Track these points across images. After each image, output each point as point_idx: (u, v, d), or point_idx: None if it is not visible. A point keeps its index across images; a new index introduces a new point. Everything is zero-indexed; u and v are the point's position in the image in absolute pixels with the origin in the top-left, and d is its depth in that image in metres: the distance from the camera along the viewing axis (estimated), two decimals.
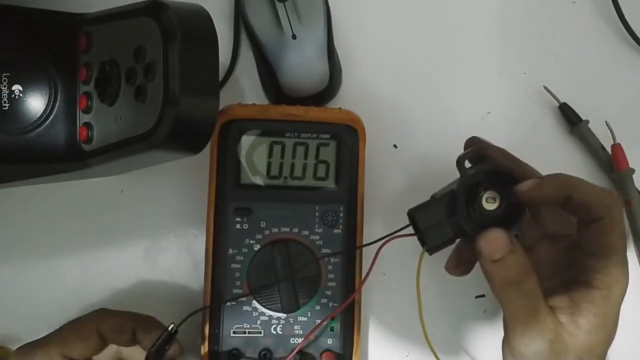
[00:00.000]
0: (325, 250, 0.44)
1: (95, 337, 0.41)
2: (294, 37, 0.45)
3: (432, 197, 0.38)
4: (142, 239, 0.48)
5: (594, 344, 0.35)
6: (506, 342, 0.36)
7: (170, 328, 0.40)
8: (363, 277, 0.43)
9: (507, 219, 0.37)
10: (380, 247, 0.39)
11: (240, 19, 0.49)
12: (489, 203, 0.37)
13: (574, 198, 0.35)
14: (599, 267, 0.35)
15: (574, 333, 0.35)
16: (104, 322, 0.42)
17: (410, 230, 0.38)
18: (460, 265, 0.40)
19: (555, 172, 0.38)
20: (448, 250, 0.40)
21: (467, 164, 0.39)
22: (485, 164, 0.38)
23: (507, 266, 0.35)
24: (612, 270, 0.35)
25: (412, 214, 0.37)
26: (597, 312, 0.35)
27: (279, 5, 0.45)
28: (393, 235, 0.38)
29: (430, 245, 0.37)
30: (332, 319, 0.44)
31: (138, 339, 0.41)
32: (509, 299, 0.35)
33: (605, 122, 0.48)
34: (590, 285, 0.35)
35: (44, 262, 0.48)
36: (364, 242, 0.44)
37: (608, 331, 0.35)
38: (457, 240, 0.39)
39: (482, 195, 0.36)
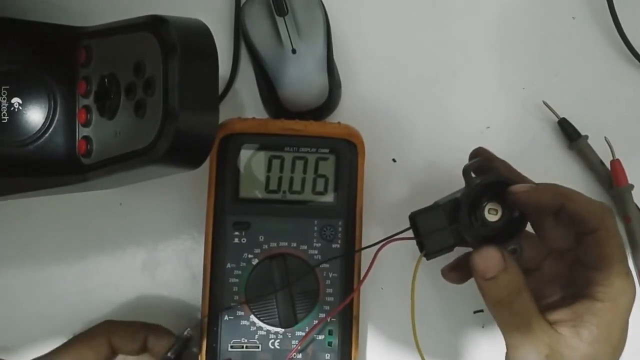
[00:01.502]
0: (323, 266, 0.44)
1: (106, 348, 0.42)
2: (293, 51, 0.45)
3: (435, 203, 0.39)
4: (141, 251, 0.48)
5: (597, 356, 0.35)
6: (506, 357, 0.37)
7: (186, 332, 0.42)
8: (362, 276, 0.43)
9: (507, 231, 0.37)
10: (379, 249, 0.39)
11: (240, 33, 0.49)
12: (491, 214, 0.37)
13: (567, 208, 0.35)
14: (600, 279, 0.35)
15: (575, 346, 0.34)
16: (115, 333, 0.42)
17: (410, 233, 0.38)
18: (456, 272, 0.41)
19: None
20: (447, 259, 0.40)
21: (472, 174, 0.40)
22: (490, 175, 0.38)
23: (498, 285, 0.36)
24: (614, 282, 0.35)
25: (414, 217, 0.38)
26: (600, 323, 0.35)
27: (279, 20, 0.45)
28: (392, 238, 0.39)
29: (428, 250, 0.37)
30: (330, 334, 0.44)
31: (149, 347, 0.42)
32: (500, 317, 0.36)
33: (605, 137, 0.48)
34: (593, 298, 0.35)
35: (42, 274, 0.48)
36: (363, 260, 0.44)
37: (613, 343, 0.35)
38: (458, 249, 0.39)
39: (485, 206, 0.37)
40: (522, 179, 0.41)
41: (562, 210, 0.36)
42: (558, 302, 0.37)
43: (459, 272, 0.41)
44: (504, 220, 0.37)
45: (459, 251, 0.40)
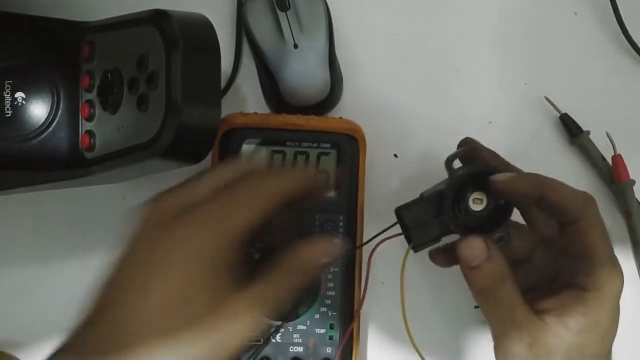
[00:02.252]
0: (324, 260, 0.44)
1: None
2: (295, 46, 0.45)
3: (421, 195, 0.39)
4: None
5: (584, 345, 0.35)
6: (494, 348, 0.37)
7: None
8: (363, 282, 0.43)
9: (493, 220, 0.37)
10: (372, 252, 0.39)
11: (242, 28, 0.49)
12: (476, 204, 0.37)
13: (547, 197, 0.35)
14: (585, 269, 0.35)
15: (561, 335, 0.34)
16: None
17: (399, 229, 0.38)
18: (443, 255, 0.40)
19: None
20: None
21: (459, 164, 0.40)
22: (474, 165, 0.38)
23: (482, 274, 0.36)
24: (598, 272, 0.34)
25: (399, 212, 0.38)
26: (586, 313, 0.34)
27: (281, 15, 0.45)
28: (382, 235, 0.39)
29: (415, 243, 0.38)
30: (331, 328, 0.44)
31: None
32: (484, 306, 0.36)
33: (606, 133, 0.48)
34: (579, 288, 0.35)
35: (46, 268, 0.48)
36: (365, 254, 0.44)
37: (601, 332, 0.35)
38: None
39: (469, 195, 0.37)
40: (509, 168, 0.40)
41: (542, 200, 0.36)
42: (547, 292, 0.37)
43: (447, 255, 0.40)
44: (489, 209, 0.37)
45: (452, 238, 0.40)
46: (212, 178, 0.34)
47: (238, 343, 0.32)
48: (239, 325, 0.32)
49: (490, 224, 0.37)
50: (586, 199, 0.36)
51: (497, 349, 0.36)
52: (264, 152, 0.44)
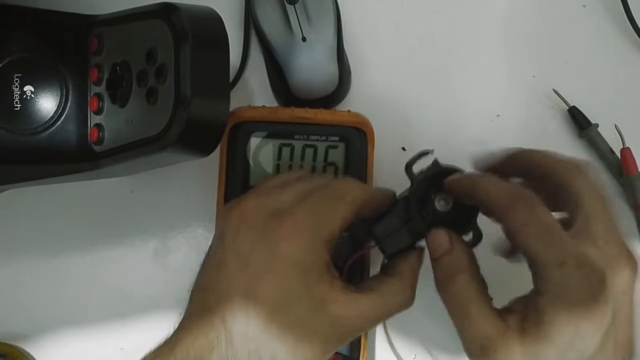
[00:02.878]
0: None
1: None
2: (303, 39, 0.45)
3: (395, 199, 0.39)
4: (152, 239, 0.48)
5: (540, 354, 0.32)
6: None
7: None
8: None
9: (460, 218, 0.37)
10: (349, 263, 0.39)
11: (250, 21, 0.49)
12: (442, 205, 0.38)
13: (475, 197, 0.35)
14: (536, 271, 0.33)
15: (516, 338, 0.32)
16: None
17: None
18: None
19: None
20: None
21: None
22: (430, 167, 0.38)
23: (441, 266, 0.36)
24: (549, 274, 0.32)
25: (369, 226, 0.38)
26: (543, 319, 0.32)
27: (289, 8, 0.45)
28: (359, 252, 0.40)
29: (388, 252, 0.38)
30: None
31: None
32: (442, 298, 0.36)
33: (615, 126, 0.48)
34: (535, 291, 0.33)
35: (54, 261, 0.48)
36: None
37: (556, 342, 0.31)
38: None
39: (434, 198, 0.38)
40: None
41: (474, 200, 0.35)
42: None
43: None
44: (457, 210, 0.37)
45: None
46: (298, 184, 0.37)
47: (341, 345, 0.34)
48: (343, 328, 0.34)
49: (459, 223, 0.37)
50: (513, 196, 0.33)
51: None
52: (272, 145, 0.44)
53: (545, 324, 0.32)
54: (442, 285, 0.35)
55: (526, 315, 0.33)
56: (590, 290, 0.31)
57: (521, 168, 0.37)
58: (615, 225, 0.34)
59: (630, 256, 0.33)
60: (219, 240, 0.35)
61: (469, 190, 0.35)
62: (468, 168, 0.39)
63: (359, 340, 0.44)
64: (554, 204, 0.35)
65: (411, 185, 0.38)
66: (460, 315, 0.34)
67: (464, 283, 0.35)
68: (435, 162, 0.39)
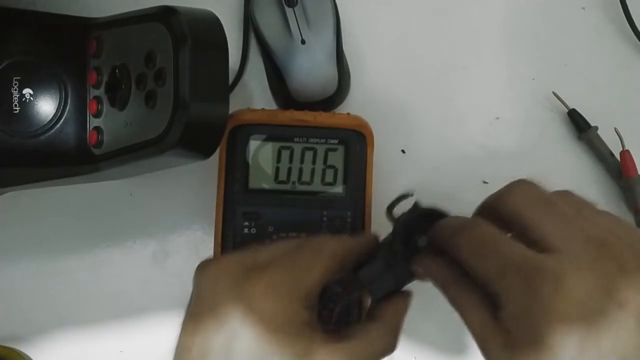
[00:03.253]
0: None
1: None
2: (303, 42, 0.45)
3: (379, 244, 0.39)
4: (151, 242, 0.48)
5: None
6: None
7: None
8: None
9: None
10: (342, 309, 0.40)
11: (249, 24, 0.49)
12: (422, 241, 0.38)
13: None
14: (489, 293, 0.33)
15: (501, 344, 0.31)
16: None
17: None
18: None
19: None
20: None
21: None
22: (414, 209, 0.38)
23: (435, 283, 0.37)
24: (495, 290, 0.31)
25: (355, 271, 0.38)
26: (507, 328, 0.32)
27: (289, 11, 0.45)
28: (346, 299, 0.40)
29: (374, 297, 0.38)
30: None
31: None
32: None
33: (615, 128, 0.48)
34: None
35: (53, 263, 0.48)
36: None
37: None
38: None
39: (417, 239, 0.38)
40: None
41: None
42: None
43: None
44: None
45: None
46: (275, 244, 0.37)
47: None
48: None
49: None
50: (458, 226, 0.34)
51: None
52: (272, 148, 0.44)
53: (509, 334, 0.30)
54: (447, 299, 0.36)
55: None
56: (539, 295, 0.29)
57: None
58: (570, 218, 0.31)
59: (602, 256, 0.29)
60: (197, 297, 0.35)
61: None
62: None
63: None
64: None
65: (393, 229, 0.38)
66: (465, 323, 0.34)
67: (455, 296, 0.35)
68: (416, 205, 0.39)
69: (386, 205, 0.39)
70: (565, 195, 0.33)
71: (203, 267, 0.35)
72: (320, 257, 0.35)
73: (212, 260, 0.36)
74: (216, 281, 0.34)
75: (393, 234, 0.38)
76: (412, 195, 0.40)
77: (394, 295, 0.38)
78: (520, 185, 0.33)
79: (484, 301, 0.33)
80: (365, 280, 0.38)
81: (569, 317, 0.28)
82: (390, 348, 0.37)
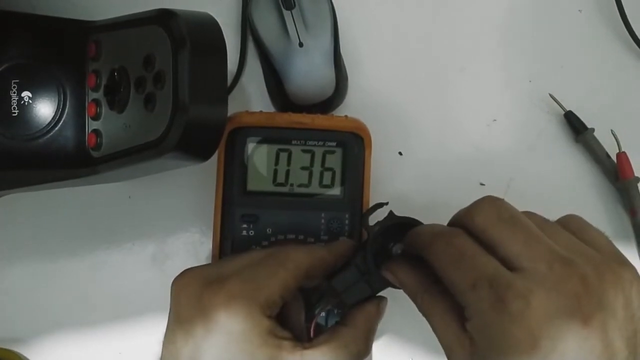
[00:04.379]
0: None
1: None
2: (300, 45, 0.45)
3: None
4: (150, 244, 0.48)
5: None
6: None
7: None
8: None
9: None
10: (313, 320, 0.40)
11: (247, 27, 0.49)
12: (397, 249, 0.39)
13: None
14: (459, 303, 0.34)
15: (468, 349, 0.32)
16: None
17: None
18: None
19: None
20: None
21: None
22: (387, 219, 0.39)
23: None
24: (466, 299, 0.32)
25: (329, 280, 0.39)
26: (473, 339, 0.32)
27: (286, 14, 0.45)
28: (323, 308, 0.40)
29: (347, 305, 0.39)
30: None
31: None
32: None
33: (611, 130, 0.48)
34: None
35: (52, 266, 0.48)
36: None
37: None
38: None
39: (392, 248, 0.39)
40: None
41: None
42: None
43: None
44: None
45: None
46: (243, 255, 0.38)
47: None
48: None
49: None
50: (436, 234, 0.34)
51: None
52: (270, 150, 0.44)
53: (476, 344, 0.31)
54: (416, 305, 0.36)
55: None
56: (506, 312, 0.29)
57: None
58: (540, 240, 0.31)
59: (568, 275, 0.30)
60: (170, 310, 0.36)
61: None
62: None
63: None
64: None
65: (367, 237, 0.39)
66: (432, 329, 0.35)
67: (423, 303, 0.35)
68: (391, 214, 0.39)
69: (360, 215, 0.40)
70: (529, 214, 0.34)
71: (174, 281, 0.37)
72: (281, 267, 0.36)
73: (181, 273, 0.37)
74: (180, 294, 0.35)
75: (367, 242, 0.39)
76: (386, 204, 0.40)
77: (367, 301, 0.39)
78: (488, 202, 0.33)
79: (452, 309, 0.33)
80: (338, 288, 0.39)
81: (535, 334, 0.28)
82: (363, 352, 0.37)
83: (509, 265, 0.31)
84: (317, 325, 0.39)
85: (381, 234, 0.39)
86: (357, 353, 0.37)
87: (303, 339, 0.37)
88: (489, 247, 0.32)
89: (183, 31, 0.35)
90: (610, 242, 0.32)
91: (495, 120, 0.50)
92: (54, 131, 0.42)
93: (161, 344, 0.36)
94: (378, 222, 0.39)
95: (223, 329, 0.33)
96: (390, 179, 0.49)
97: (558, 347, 0.28)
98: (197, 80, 0.35)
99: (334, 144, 0.45)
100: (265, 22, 0.47)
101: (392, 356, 0.49)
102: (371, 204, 0.45)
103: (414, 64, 0.50)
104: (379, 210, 0.40)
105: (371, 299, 0.39)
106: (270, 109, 0.49)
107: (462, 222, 0.34)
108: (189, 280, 0.36)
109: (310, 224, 0.45)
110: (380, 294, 0.40)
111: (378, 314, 0.39)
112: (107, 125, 0.41)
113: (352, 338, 0.37)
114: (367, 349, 0.38)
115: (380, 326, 0.48)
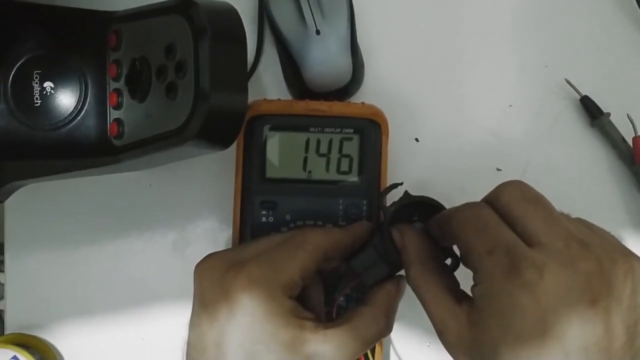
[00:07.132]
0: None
1: None
2: (317, 32, 0.45)
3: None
4: (171, 232, 0.49)
5: (478, 336, 0.33)
6: None
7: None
8: None
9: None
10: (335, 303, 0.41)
11: (264, 15, 0.49)
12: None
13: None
14: (468, 266, 0.35)
15: (465, 323, 0.34)
16: None
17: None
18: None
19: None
20: None
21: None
22: (403, 198, 0.40)
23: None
24: (479, 265, 0.34)
25: (348, 261, 0.40)
26: (479, 304, 0.34)
27: (303, 1, 0.46)
28: (344, 289, 0.41)
29: (367, 285, 0.40)
30: None
31: None
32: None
33: (627, 114, 0.48)
34: (474, 281, 0.35)
35: (74, 254, 0.49)
36: None
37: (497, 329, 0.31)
38: None
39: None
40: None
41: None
42: None
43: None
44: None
45: None
46: (262, 239, 0.39)
47: None
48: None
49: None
50: (463, 205, 0.36)
51: None
52: (288, 137, 0.45)
53: (479, 311, 0.32)
54: (407, 277, 0.37)
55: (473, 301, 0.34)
56: (518, 280, 0.30)
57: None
58: (558, 220, 0.32)
59: (583, 255, 0.31)
60: (194, 295, 0.37)
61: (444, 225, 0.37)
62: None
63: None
64: None
65: (384, 217, 0.40)
66: (422, 303, 0.36)
67: (416, 275, 0.36)
68: (406, 194, 0.40)
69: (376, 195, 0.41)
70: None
71: (197, 266, 0.37)
72: (300, 249, 0.37)
73: (203, 258, 0.38)
74: (203, 278, 0.36)
75: (384, 222, 0.39)
76: (401, 184, 0.41)
77: (386, 281, 0.40)
78: (514, 184, 0.35)
79: (447, 287, 0.35)
80: (357, 269, 0.39)
81: (542, 306, 0.29)
82: (384, 331, 0.38)
83: (528, 240, 0.32)
84: (339, 308, 0.40)
85: (397, 213, 0.39)
86: (379, 331, 0.37)
87: (323, 321, 0.38)
88: (511, 224, 0.33)
89: (203, 20, 0.36)
90: (619, 241, 0.33)
91: (511, 105, 0.50)
92: (76, 121, 0.43)
93: (186, 327, 0.37)
94: (394, 202, 0.40)
95: (246, 310, 0.34)
96: (407, 165, 0.49)
97: (562, 322, 0.29)
98: (218, 68, 0.36)
99: (351, 130, 0.45)
100: (282, 10, 0.47)
101: (409, 341, 0.49)
102: None
103: (429, 51, 0.51)
104: (394, 192, 0.41)
105: (390, 279, 0.40)
106: (287, 96, 0.49)
107: (488, 200, 0.35)
108: (212, 264, 0.37)
109: (328, 210, 0.45)
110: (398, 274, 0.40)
111: (398, 293, 0.39)
112: (128, 115, 0.41)
113: (373, 317, 0.38)
114: (388, 328, 0.38)
115: (397, 312, 0.48)
